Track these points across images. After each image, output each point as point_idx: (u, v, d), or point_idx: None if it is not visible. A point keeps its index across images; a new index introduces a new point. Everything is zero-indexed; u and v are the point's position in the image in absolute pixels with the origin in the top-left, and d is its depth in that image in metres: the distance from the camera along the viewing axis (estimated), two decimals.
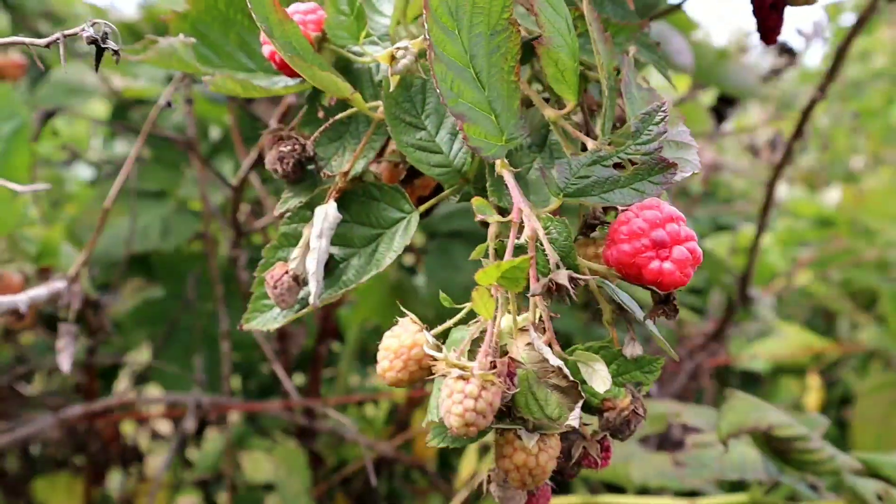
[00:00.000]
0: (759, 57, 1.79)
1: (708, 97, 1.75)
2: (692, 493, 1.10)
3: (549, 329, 0.49)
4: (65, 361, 0.84)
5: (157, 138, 1.47)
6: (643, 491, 1.14)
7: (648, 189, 0.51)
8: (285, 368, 1.56)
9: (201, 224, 1.58)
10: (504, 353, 0.49)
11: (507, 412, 0.49)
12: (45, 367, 1.54)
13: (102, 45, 0.48)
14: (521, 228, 0.50)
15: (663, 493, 1.08)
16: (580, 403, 0.47)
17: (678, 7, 1.13)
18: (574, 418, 0.47)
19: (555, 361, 0.47)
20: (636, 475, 1.05)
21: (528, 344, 0.48)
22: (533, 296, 0.47)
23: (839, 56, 1.09)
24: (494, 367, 0.46)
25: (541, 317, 0.49)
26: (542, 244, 0.49)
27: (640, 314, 0.52)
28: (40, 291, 0.82)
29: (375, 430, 1.92)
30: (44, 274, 0.99)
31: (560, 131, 0.55)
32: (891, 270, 2.33)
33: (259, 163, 1.11)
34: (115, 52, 0.49)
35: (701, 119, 1.75)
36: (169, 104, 0.84)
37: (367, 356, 1.87)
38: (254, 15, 0.51)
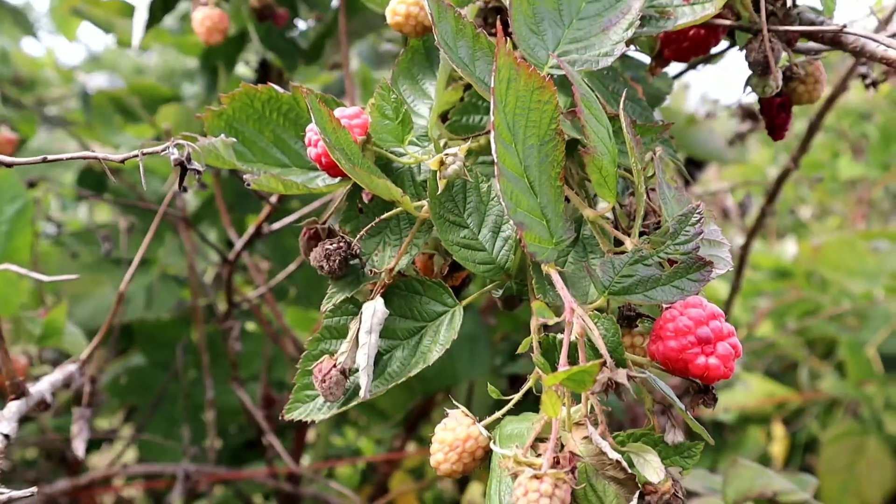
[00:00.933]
0: (725, 122, 1.87)
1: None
2: None
3: (602, 422, 0.52)
4: (80, 446, 0.84)
5: (138, 207, 1.48)
6: None
7: (688, 287, 0.54)
8: (273, 433, 1.56)
9: (183, 292, 1.58)
10: (562, 446, 0.51)
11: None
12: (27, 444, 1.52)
13: (189, 167, 0.50)
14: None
15: None
16: (637, 494, 0.50)
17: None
18: None
19: (613, 455, 0.49)
20: None
21: (585, 437, 0.51)
22: (593, 394, 0.50)
23: (811, 130, 1.16)
24: (558, 463, 0.49)
25: (592, 409, 0.52)
26: (590, 341, 0.53)
27: (679, 404, 0.55)
28: (56, 377, 0.82)
29: (353, 489, 1.92)
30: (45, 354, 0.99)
31: (598, 229, 0.59)
32: (847, 320, 2.42)
33: (256, 235, 1.13)
34: (198, 172, 0.51)
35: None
36: (185, 189, 0.85)
37: (344, 418, 1.87)
38: (317, 127, 0.54)
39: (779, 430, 2.22)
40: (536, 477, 0.47)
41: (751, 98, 1.75)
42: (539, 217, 0.53)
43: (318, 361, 0.61)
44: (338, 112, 0.62)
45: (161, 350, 1.55)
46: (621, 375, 0.49)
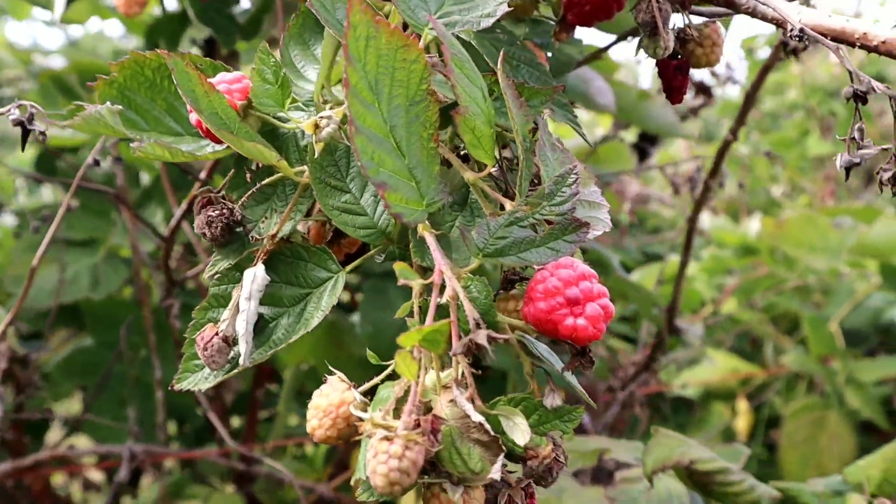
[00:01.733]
0: None
1: (630, 135, 1.80)
2: None
3: (471, 385, 0.51)
4: None
5: (86, 189, 1.46)
6: None
7: (563, 248, 0.53)
8: (221, 414, 1.55)
9: (132, 272, 1.57)
10: (428, 409, 0.51)
11: (433, 467, 0.51)
12: None
13: (29, 127, 0.49)
14: (443, 288, 0.53)
15: None
16: (501, 456, 0.49)
17: (599, 55, 1.18)
18: (496, 471, 0.49)
19: (476, 417, 0.49)
20: None
21: (451, 400, 0.50)
22: (454, 355, 0.49)
23: (747, 101, 1.15)
24: (419, 425, 0.48)
25: (463, 373, 0.52)
26: (462, 303, 0.52)
27: (558, 366, 0.55)
28: None
29: (316, 470, 1.91)
30: None
31: (479, 192, 0.58)
32: (813, 296, 2.43)
33: (189, 212, 1.12)
34: (42, 133, 0.50)
35: (624, 156, 1.81)
36: (97, 162, 0.84)
37: (304, 396, 1.87)
38: (179, 89, 0.53)
39: (743, 405, 2.23)
40: (387, 438, 0.46)
41: (704, 74, 1.75)
42: (407, 178, 0.52)
43: (202, 330, 0.60)
44: (218, 77, 0.61)
45: (110, 330, 1.54)
46: (482, 336, 0.48)
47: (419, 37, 0.59)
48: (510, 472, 0.56)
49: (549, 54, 0.78)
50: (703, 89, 1.63)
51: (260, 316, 0.61)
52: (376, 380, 0.56)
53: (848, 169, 0.54)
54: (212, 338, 0.59)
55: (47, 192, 2.34)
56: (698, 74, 1.66)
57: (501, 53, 0.57)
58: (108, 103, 0.64)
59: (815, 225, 2.13)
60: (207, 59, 0.64)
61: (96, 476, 1.74)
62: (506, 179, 0.62)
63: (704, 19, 0.69)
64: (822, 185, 2.96)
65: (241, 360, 0.58)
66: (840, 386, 2.09)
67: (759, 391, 2.30)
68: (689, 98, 1.71)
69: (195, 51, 1.55)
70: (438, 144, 0.55)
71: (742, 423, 2.21)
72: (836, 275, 2.37)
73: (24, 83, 1.95)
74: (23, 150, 0.51)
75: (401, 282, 0.50)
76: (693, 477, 0.84)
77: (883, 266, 2.00)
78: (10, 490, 1.45)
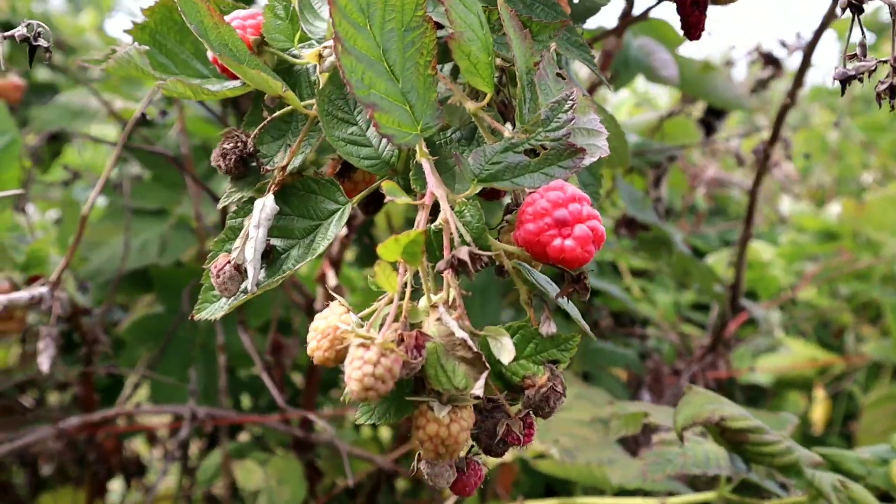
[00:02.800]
0: (748, 69, 1.81)
1: (697, 111, 1.77)
2: (671, 494, 1.11)
3: (460, 306, 0.52)
4: (45, 362, 0.88)
5: (156, 157, 1.53)
6: (621, 493, 1.15)
7: (557, 173, 0.53)
8: (280, 380, 1.59)
9: (199, 241, 1.63)
10: (414, 326, 0.51)
11: (420, 385, 0.52)
12: (47, 383, 1.59)
13: (35, 43, 0.52)
14: (437, 212, 0.53)
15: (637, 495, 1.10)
16: (485, 373, 0.50)
17: (645, 15, 1.17)
18: (479, 387, 0.49)
19: (460, 334, 0.49)
20: (615, 478, 1.07)
21: (438, 319, 0.51)
22: (439, 272, 0.50)
23: (805, 62, 1.12)
24: (402, 340, 0.49)
25: (453, 296, 0.52)
26: (456, 226, 0.52)
27: (553, 293, 0.55)
28: (21, 295, 0.86)
29: (378, 441, 1.94)
30: (33, 283, 1.03)
31: (480, 122, 0.58)
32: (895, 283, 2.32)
33: None
34: (47, 49, 0.53)
35: (691, 131, 1.77)
36: (144, 116, 0.88)
37: None
38: (185, 18, 0.55)
39: (820, 394, 2.15)
40: (363, 346, 0.47)
41: (772, 45, 1.69)
42: (400, 102, 0.53)
43: (216, 260, 0.62)
44: (233, 14, 0.63)
45: (178, 296, 1.60)
46: (463, 252, 0.49)
47: None
48: (512, 404, 0.56)
49: (575, 0, 0.78)
50: (771, 60, 1.58)
51: (273, 248, 0.63)
52: (375, 304, 0.57)
53: (843, 82, 0.52)
54: (224, 266, 0.61)
55: (136, 168, 2.45)
56: (767, 45, 1.61)
57: None
58: (135, 44, 0.67)
59: None
60: (229, 0, 0.66)
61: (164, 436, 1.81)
62: (512, 114, 0.62)
63: None
64: None
65: (247, 286, 0.60)
66: None
67: (838, 380, 2.22)
68: (759, 71, 1.66)
69: None
70: (436, 72, 0.55)
71: (818, 413, 2.13)
72: None
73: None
74: (30, 65, 0.54)
75: (387, 199, 0.51)
76: (725, 435, 0.82)
77: None
78: (81, 446, 1.52)
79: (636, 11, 1.18)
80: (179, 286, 1.58)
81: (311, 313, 1.54)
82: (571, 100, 0.54)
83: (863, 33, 0.53)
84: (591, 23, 0.83)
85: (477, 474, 0.57)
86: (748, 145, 2.72)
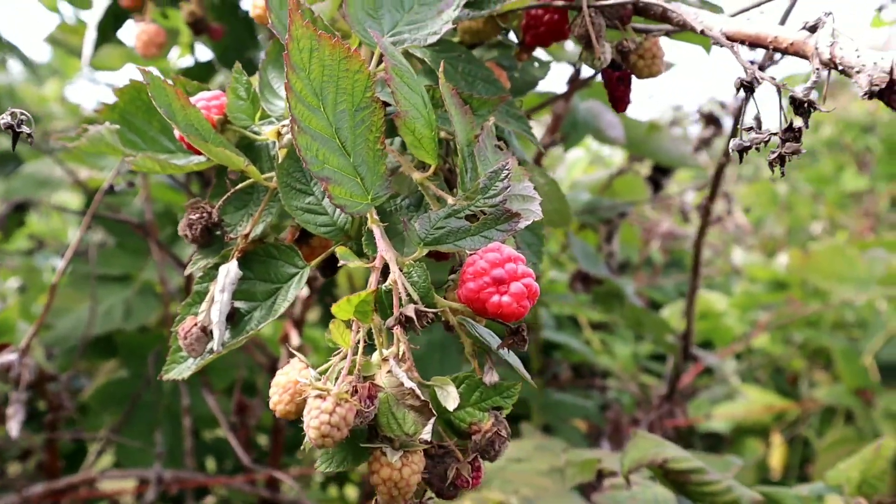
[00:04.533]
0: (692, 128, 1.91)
1: (645, 168, 1.86)
2: None
3: (409, 359, 0.57)
4: (14, 427, 0.91)
5: (120, 224, 1.57)
6: None
7: (496, 235, 0.59)
8: (245, 441, 1.62)
9: (163, 305, 1.66)
10: (367, 379, 0.56)
11: (374, 433, 0.57)
12: (9, 452, 1.60)
13: (17, 130, 0.58)
14: (388, 273, 0.59)
15: None
16: (433, 420, 0.55)
17: (589, 81, 1.25)
18: (427, 433, 0.54)
19: (408, 384, 0.54)
20: None
21: (389, 371, 0.56)
22: (388, 328, 0.55)
23: (736, 123, 1.20)
24: (356, 391, 0.54)
25: (403, 350, 0.58)
26: (406, 286, 0.58)
27: (494, 345, 0.60)
28: None
29: (346, 500, 1.96)
30: (1, 350, 1.07)
31: (426, 191, 0.64)
32: (848, 331, 2.41)
33: None
34: (29, 136, 0.58)
35: (639, 188, 1.86)
36: (112, 188, 0.93)
37: None
38: (154, 102, 0.61)
39: (776, 439, 2.21)
40: (320, 397, 0.52)
41: (713, 105, 1.79)
42: (352, 174, 0.59)
43: (183, 322, 0.67)
44: (198, 95, 0.69)
45: (143, 361, 1.63)
46: (410, 310, 0.54)
47: (373, 52, 0.67)
48: (461, 451, 0.61)
49: (517, 74, 0.85)
50: (711, 120, 1.68)
51: (237, 310, 0.68)
52: (332, 359, 0.62)
53: (739, 152, 0.59)
54: (191, 327, 0.66)
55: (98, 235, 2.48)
56: (707, 106, 1.71)
57: (441, 65, 0.64)
58: (107, 123, 0.72)
59: (842, 255, 2.14)
60: (196, 81, 0.72)
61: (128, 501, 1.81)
62: (454, 180, 0.68)
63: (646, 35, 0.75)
64: (860, 221, 2.95)
65: (213, 346, 0.65)
66: (875, 419, 2.07)
67: (794, 426, 2.28)
68: (701, 129, 1.76)
69: None
70: (385, 146, 0.61)
71: (776, 458, 2.20)
72: (872, 308, 2.35)
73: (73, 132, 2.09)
74: (13, 149, 0.59)
75: (340, 263, 0.56)
76: (669, 476, 0.87)
77: None
78: None
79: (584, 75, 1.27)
80: (144, 351, 1.61)
81: (274, 373, 1.57)
82: (507, 169, 0.60)
83: (757, 109, 0.60)
84: (545, 85, 0.90)
85: None
86: (700, 199, 2.83)
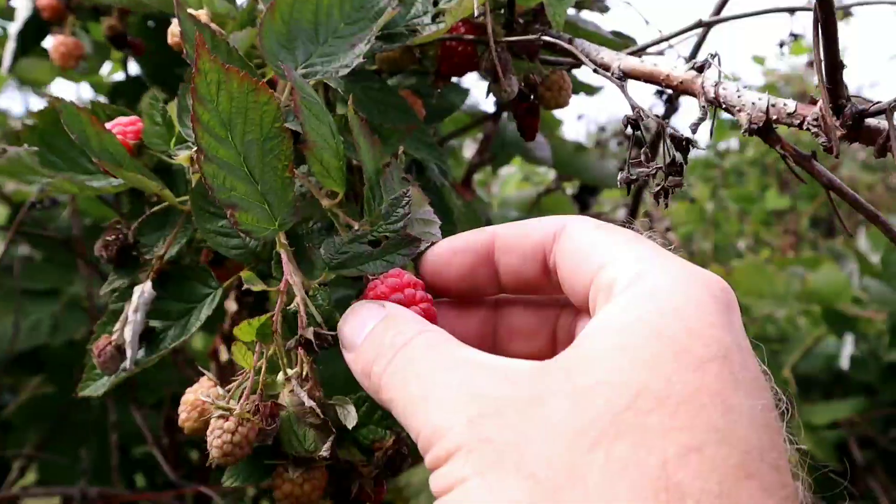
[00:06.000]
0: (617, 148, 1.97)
1: (572, 187, 1.91)
2: None
3: (311, 378, 0.60)
4: None
5: (47, 239, 1.56)
6: None
7: (397, 260, 0.62)
8: (175, 456, 1.62)
9: (91, 320, 1.66)
10: (271, 397, 0.59)
11: (277, 450, 0.60)
12: None
13: None
14: (292, 297, 0.62)
15: None
16: (332, 437, 0.58)
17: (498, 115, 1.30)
18: (326, 449, 0.57)
19: (308, 403, 0.57)
20: None
21: (291, 390, 0.59)
22: (289, 350, 0.58)
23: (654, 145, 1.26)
24: (258, 410, 0.57)
25: (307, 370, 0.60)
26: (309, 308, 0.61)
27: None
28: None
29: None
30: None
31: (335, 217, 0.67)
32: (769, 345, 2.50)
33: None
34: None
35: (567, 207, 1.91)
36: (33, 205, 0.94)
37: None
38: (67, 129, 0.63)
39: None
40: (223, 417, 0.54)
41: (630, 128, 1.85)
42: (259, 201, 0.61)
43: (98, 340, 0.69)
44: (115, 120, 0.71)
45: (70, 376, 1.62)
46: (309, 333, 0.57)
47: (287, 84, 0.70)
48: (364, 466, 0.64)
49: (434, 101, 0.89)
50: (637, 142, 1.74)
51: (153, 328, 0.70)
52: (237, 378, 0.65)
53: (627, 184, 0.63)
54: (105, 346, 0.68)
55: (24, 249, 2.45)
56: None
57: (350, 97, 0.67)
58: (25, 146, 0.74)
59: (762, 272, 2.22)
60: (113, 105, 0.74)
61: None
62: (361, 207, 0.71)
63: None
64: (783, 238, 3.06)
65: (126, 364, 0.67)
66: (793, 430, 2.15)
67: None
68: (589, 63, 1.81)
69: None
70: (294, 174, 0.64)
71: None
72: (792, 323, 2.45)
73: None
74: None
75: (244, 286, 0.59)
76: None
77: (825, 311, 2.08)
78: None
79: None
80: (71, 366, 1.60)
81: None
82: (407, 197, 0.63)
83: (644, 143, 0.64)
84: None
85: None
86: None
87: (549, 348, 0.60)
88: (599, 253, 0.49)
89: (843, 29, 1.73)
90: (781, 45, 1.45)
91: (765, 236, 3.16)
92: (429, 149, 0.79)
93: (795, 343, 2.30)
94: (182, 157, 0.66)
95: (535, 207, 1.89)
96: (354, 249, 0.63)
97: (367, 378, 0.51)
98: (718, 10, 1.04)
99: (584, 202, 1.82)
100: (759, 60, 3.02)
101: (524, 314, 0.61)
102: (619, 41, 0.96)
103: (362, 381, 0.51)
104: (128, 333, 0.67)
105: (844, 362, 2.18)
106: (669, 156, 0.64)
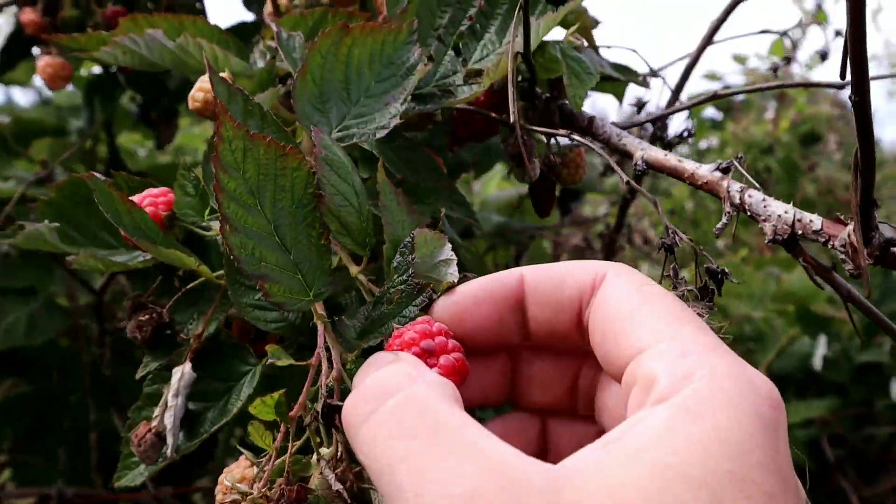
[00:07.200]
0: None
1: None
2: None
3: (344, 459, 0.60)
4: None
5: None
6: None
7: (411, 312, 0.61)
8: None
9: (70, 319, 1.66)
10: (301, 480, 0.61)
11: None
12: None
13: None
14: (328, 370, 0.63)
15: None
16: None
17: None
18: None
19: (336, 486, 0.58)
20: None
21: (321, 473, 0.61)
22: (306, 425, 0.59)
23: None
24: (283, 495, 0.58)
25: (340, 450, 0.62)
26: (345, 382, 0.62)
27: None
28: None
29: None
30: None
31: (361, 284, 0.67)
32: (745, 344, 2.59)
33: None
34: None
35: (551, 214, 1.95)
36: (10, 218, 0.95)
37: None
38: (101, 208, 0.64)
39: None
40: (234, 502, 0.58)
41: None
42: (292, 272, 0.62)
43: (137, 428, 0.70)
44: (145, 192, 0.73)
45: (48, 377, 1.63)
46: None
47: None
48: None
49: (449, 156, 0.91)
50: (618, 150, 1.78)
51: (192, 411, 0.71)
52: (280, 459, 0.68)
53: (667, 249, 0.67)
54: (145, 434, 0.68)
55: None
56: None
57: (381, 161, 0.69)
58: (46, 221, 0.75)
59: (739, 273, 2.29)
60: (137, 177, 0.75)
61: None
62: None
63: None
64: (761, 239, 3.14)
65: (168, 452, 0.68)
66: None
67: None
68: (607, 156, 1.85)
69: (133, 108, 1.66)
70: (329, 241, 0.64)
71: None
72: (769, 323, 2.53)
73: None
74: None
75: (269, 361, 0.61)
76: None
77: (798, 310, 2.16)
78: None
79: None
80: (49, 366, 1.61)
81: None
82: (411, 243, 0.64)
83: (675, 262, 0.67)
84: None
85: None
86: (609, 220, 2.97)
87: (569, 398, 0.58)
88: (641, 331, 0.45)
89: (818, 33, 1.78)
90: (775, 69, 1.49)
91: (744, 236, 3.24)
92: (462, 207, 0.81)
93: (771, 343, 2.38)
94: (217, 227, 0.68)
95: (517, 210, 1.93)
96: (375, 314, 0.63)
97: (348, 436, 0.46)
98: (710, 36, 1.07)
99: (566, 208, 1.86)
100: (741, 60, 3.07)
101: (545, 363, 0.58)
102: (623, 77, 0.99)
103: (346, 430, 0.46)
104: (168, 420, 0.68)
105: (817, 362, 2.27)
106: (702, 280, 0.67)
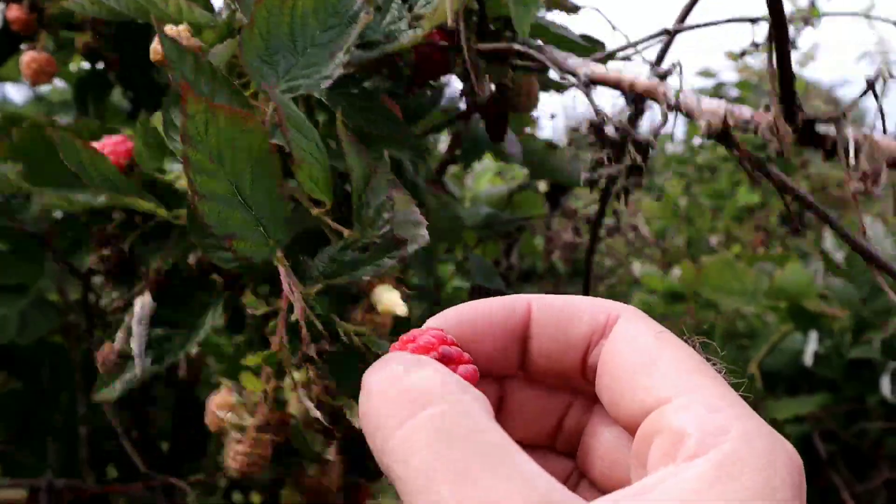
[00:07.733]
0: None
1: (544, 185, 1.99)
2: None
3: (317, 384, 0.64)
4: None
5: (14, 232, 1.60)
6: None
7: (386, 263, 0.66)
8: (146, 446, 1.67)
9: (62, 317, 1.70)
10: (283, 403, 0.66)
11: (293, 450, 0.66)
12: None
13: None
14: (293, 308, 0.67)
15: None
16: (335, 442, 0.65)
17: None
18: (332, 453, 0.64)
19: (314, 413, 0.62)
20: None
21: (299, 400, 0.65)
22: (296, 366, 0.64)
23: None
24: (269, 423, 0.63)
25: (311, 376, 0.66)
26: (309, 318, 0.66)
27: None
28: None
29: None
30: None
31: (325, 226, 0.71)
32: (738, 340, 2.61)
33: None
34: None
35: (539, 204, 1.99)
36: None
37: None
38: (66, 162, 0.68)
39: None
40: (238, 441, 0.61)
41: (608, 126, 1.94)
42: (254, 226, 0.66)
43: (102, 349, 0.75)
44: (103, 140, 0.77)
45: (39, 373, 1.66)
46: (312, 350, 0.63)
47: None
48: None
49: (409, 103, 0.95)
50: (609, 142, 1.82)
51: (158, 335, 0.75)
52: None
53: (590, 184, 0.71)
54: (108, 354, 0.74)
55: None
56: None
57: (339, 110, 0.72)
58: (10, 164, 0.79)
59: (732, 269, 2.32)
60: (97, 121, 0.79)
61: None
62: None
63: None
64: (754, 235, 3.17)
65: (136, 372, 0.72)
66: None
67: None
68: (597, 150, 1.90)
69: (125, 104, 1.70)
70: (283, 191, 0.68)
71: None
72: (761, 319, 2.55)
73: None
74: None
75: (249, 310, 0.65)
76: None
77: (790, 307, 2.18)
78: None
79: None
80: (40, 362, 1.64)
81: (170, 382, 1.63)
82: (390, 201, 0.68)
83: (607, 146, 0.71)
84: None
85: None
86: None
87: (550, 436, 0.55)
88: (661, 381, 0.43)
89: (811, 32, 1.81)
90: (742, 54, 1.53)
91: (737, 232, 3.27)
92: (410, 150, 0.85)
93: (763, 339, 2.40)
94: (174, 172, 0.72)
95: (507, 204, 1.97)
96: (346, 257, 0.67)
97: (372, 440, 0.42)
98: (683, 18, 1.12)
99: (555, 201, 1.90)
100: (710, 74, 3.16)
101: (534, 397, 0.54)
102: (588, 45, 1.02)
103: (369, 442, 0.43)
104: (135, 346, 0.73)
105: (808, 359, 2.29)
106: (631, 158, 0.71)
